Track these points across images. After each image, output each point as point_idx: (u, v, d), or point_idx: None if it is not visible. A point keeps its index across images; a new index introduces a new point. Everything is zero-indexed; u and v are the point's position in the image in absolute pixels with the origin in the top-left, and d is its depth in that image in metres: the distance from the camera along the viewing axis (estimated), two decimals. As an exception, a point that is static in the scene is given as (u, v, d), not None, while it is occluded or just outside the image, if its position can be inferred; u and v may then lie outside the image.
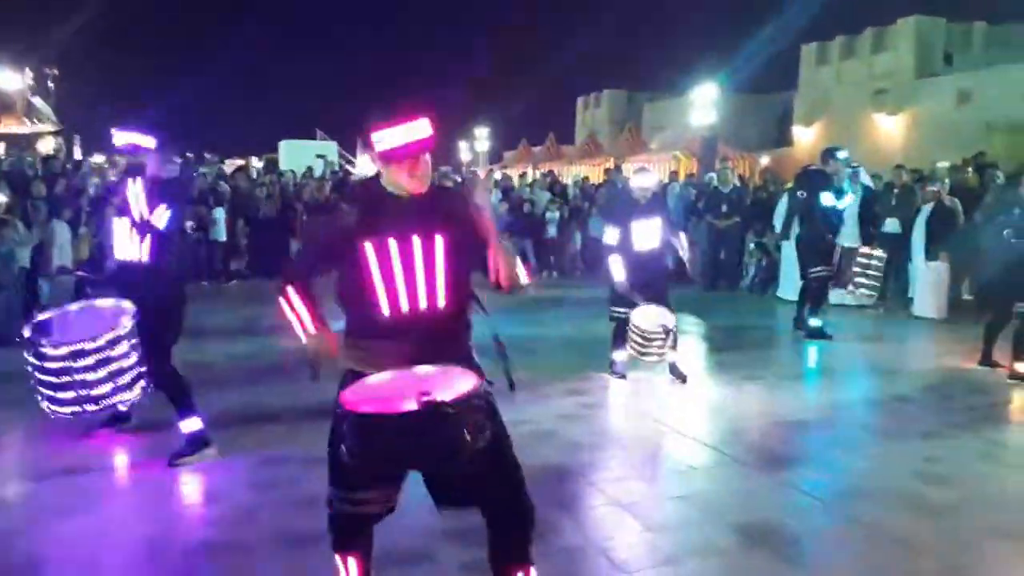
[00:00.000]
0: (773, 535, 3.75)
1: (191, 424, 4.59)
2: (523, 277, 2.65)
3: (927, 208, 10.02)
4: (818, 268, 8.49)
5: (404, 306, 2.55)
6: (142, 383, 4.51)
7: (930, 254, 9.88)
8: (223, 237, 12.82)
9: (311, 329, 2.65)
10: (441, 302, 2.59)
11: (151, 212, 4.41)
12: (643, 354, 6.40)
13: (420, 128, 2.49)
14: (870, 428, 5.53)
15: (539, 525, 3.65)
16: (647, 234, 6.43)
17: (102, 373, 4.28)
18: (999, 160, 13.65)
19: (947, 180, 10.97)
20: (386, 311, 2.54)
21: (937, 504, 4.16)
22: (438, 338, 2.56)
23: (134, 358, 4.40)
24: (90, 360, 4.24)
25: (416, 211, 2.57)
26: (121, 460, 4.78)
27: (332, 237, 2.64)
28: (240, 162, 20.58)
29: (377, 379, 2.45)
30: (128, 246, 4.47)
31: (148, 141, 4.49)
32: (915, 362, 7.93)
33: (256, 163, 21.31)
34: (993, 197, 9.35)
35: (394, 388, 2.32)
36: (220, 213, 12.86)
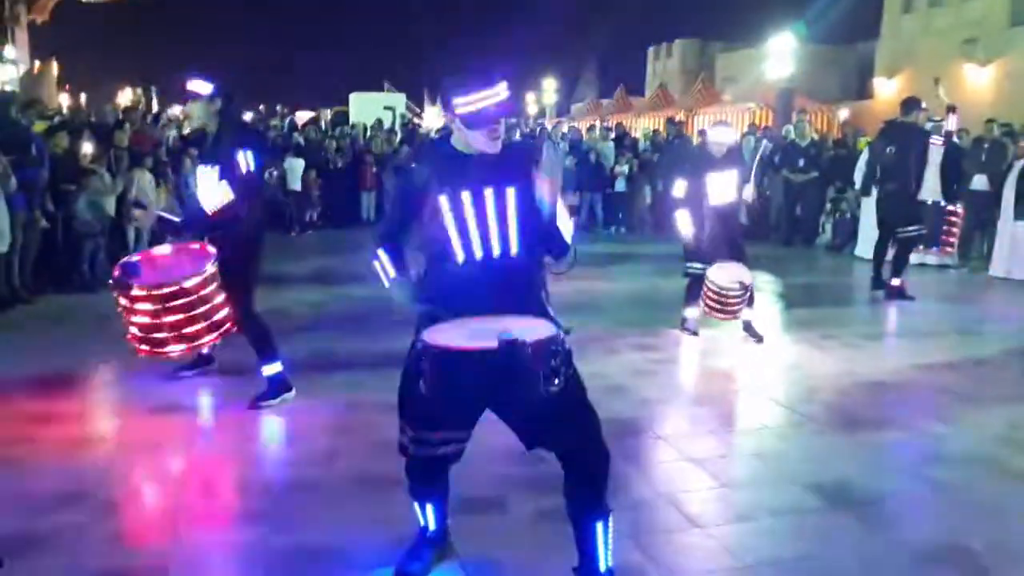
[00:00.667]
0: (851, 496, 3.68)
1: (272, 368, 4.72)
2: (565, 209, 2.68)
3: (1019, 164, 9.54)
4: (910, 227, 8.13)
5: (478, 252, 2.62)
6: (226, 326, 4.66)
7: (1020, 213, 9.43)
8: (298, 186, 13.03)
9: (392, 274, 2.77)
10: (514, 249, 2.64)
11: (232, 157, 4.50)
12: (719, 311, 6.30)
13: (501, 93, 2.55)
14: (949, 391, 5.35)
15: (611, 479, 3.70)
16: (723, 188, 6.28)
17: (187, 315, 4.45)
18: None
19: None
20: (460, 257, 2.62)
21: (1021, 470, 4.03)
22: (513, 287, 2.62)
23: (218, 300, 4.54)
24: (177, 302, 4.40)
25: (488, 166, 2.63)
26: (204, 401, 4.96)
27: (408, 194, 2.74)
28: (311, 114, 20.81)
29: (456, 322, 2.51)
30: (211, 192, 4.58)
31: (205, 87, 4.55)
32: (997, 324, 7.62)
33: (327, 115, 21.50)
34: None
35: (474, 329, 2.40)
36: (297, 164, 13.07)
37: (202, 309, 4.51)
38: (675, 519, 3.45)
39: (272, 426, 4.54)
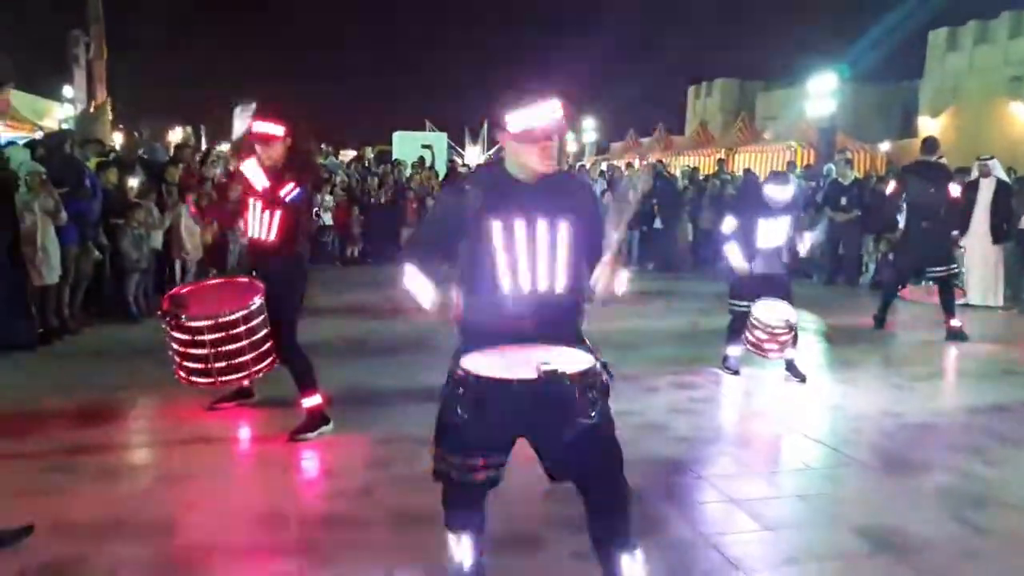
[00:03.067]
0: (898, 540, 3.57)
1: (312, 400, 4.75)
2: (619, 289, 2.63)
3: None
4: (939, 268, 8.13)
5: (525, 286, 2.59)
6: (271, 358, 4.72)
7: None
8: (330, 221, 13.28)
9: (432, 297, 2.67)
10: (560, 286, 2.62)
11: (279, 190, 4.61)
12: (763, 349, 6.21)
13: (555, 109, 2.55)
14: (998, 434, 5.17)
15: (649, 518, 3.64)
16: (774, 232, 6.24)
17: (233, 347, 4.52)
18: None
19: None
20: (507, 289, 2.59)
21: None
22: (554, 321, 2.61)
23: (263, 333, 4.61)
24: (222, 334, 4.48)
25: (542, 195, 2.61)
26: (243, 434, 5.00)
27: (455, 214, 2.68)
28: (354, 152, 21.16)
29: (494, 351, 2.50)
30: (258, 225, 4.67)
31: (278, 129, 4.67)
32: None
33: (370, 154, 21.85)
34: None
35: (512, 359, 2.41)
36: (329, 200, 13.32)
37: (248, 341, 4.58)
38: (716, 561, 3.37)
39: (310, 459, 4.55)
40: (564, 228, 2.61)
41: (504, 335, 2.55)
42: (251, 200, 4.72)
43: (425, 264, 2.70)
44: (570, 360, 2.38)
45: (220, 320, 4.49)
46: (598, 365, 2.42)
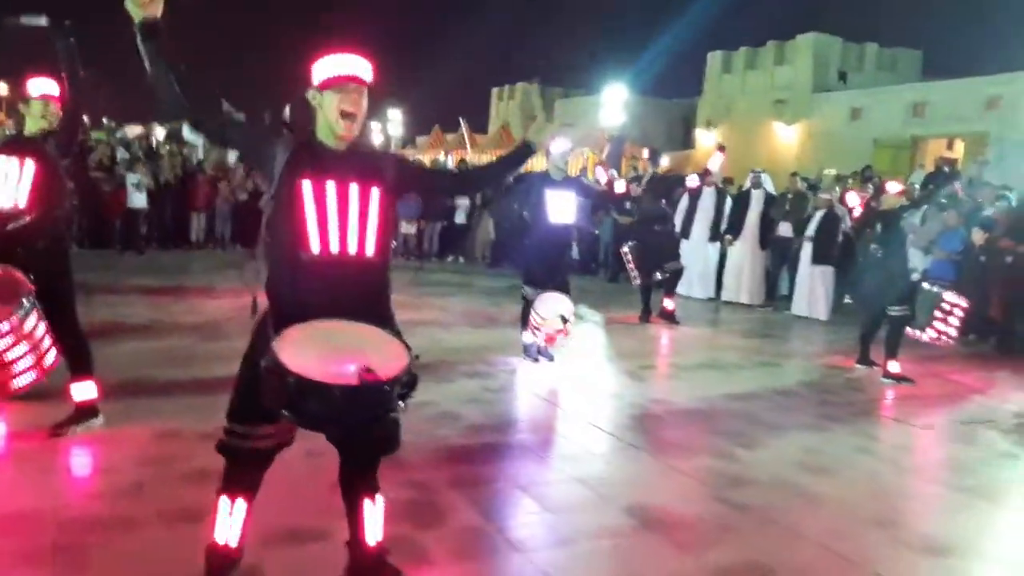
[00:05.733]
0: (665, 519, 3.87)
1: (84, 389, 4.38)
2: None
3: (818, 214, 10.51)
4: (669, 264, 9.39)
5: (334, 247, 2.58)
6: (55, 353, 4.32)
7: (816, 258, 10.39)
8: (143, 204, 12.39)
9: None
10: (370, 250, 2.64)
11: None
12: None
13: (363, 64, 2.62)
14: (755, 419, 5.74)
15: (435, 505, 3.71)
16: (561, 207, 6.58)
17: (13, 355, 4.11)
18: (883, 174, 14.45)
19: (838, 189, 11.51)
20: (315, 249, 2.57)
21: (815, 493, 4.39)
22: (364, 290, 2.64)
23: (42, 331, 4.21)
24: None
25: (353, 161, 2.65)
26: (-5, 430, 4.50)
27: (270, 139, 2.66)
28: (141, 128, 19.62)
29: (310, 334, 2.45)
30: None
31: (54, 87, 4.26)
32: (796, 358, 8.31)
33: (157, 131, 20.34)
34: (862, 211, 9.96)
35: (333, 352, 2.37)
36: (133, 179, 12.36)
37: (27, 347, 4.15)
38: (499, 544, 3.48)
39: (76, 456, 4.18)
40: (376, 193, 2.65)
41: (311, 303, 2.53)
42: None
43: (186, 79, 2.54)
44: (388, 358, 2.39)
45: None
46: (412, 360, 2.45)
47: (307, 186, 2.55)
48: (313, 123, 2.68)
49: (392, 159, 2.86)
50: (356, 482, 2.78)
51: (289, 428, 2.67)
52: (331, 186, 2.58)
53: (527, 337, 6.75)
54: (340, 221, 2.58)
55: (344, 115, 2.60)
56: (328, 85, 2.59)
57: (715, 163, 11.36)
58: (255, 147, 2.72)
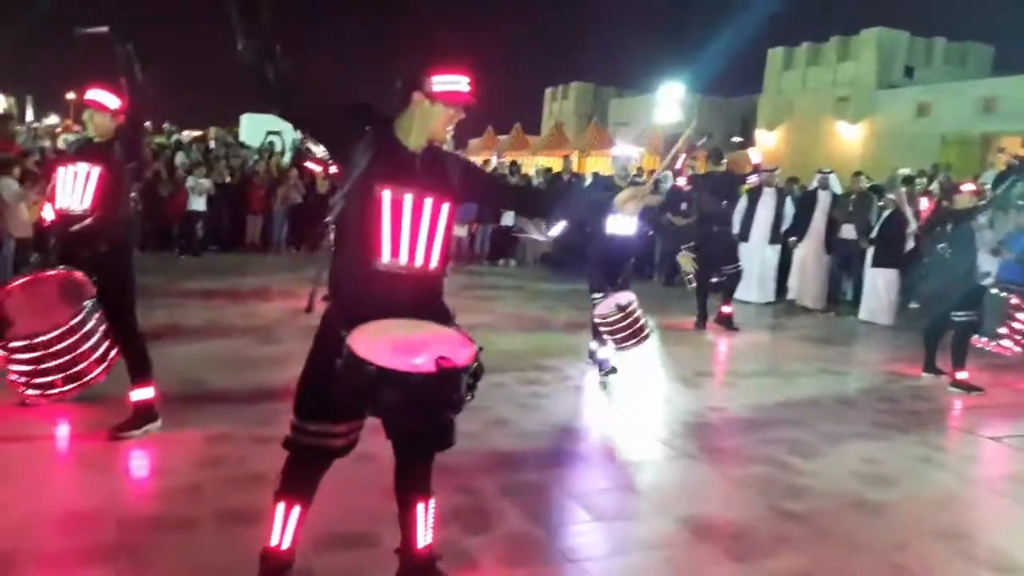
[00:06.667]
0: (719, 529, 3.79)
1: (143, 393, 4.48)
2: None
3: (884, 215, 10.20)
4: (729, 266, 9.34)
5: (403, 259, 2.65)
6: (112, 355, 4.49)
7: (878, 260, 10.09)
8: (203, 207, 12.70)
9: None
10: (434, 262, 2.72)
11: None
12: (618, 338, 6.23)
13: (469, 84, 2.70)
14: (812, 428, 5.58)
15: (485, 511, 3.71)
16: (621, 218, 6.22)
17: (73, 356, 4.26)
18: (952, 173, 13.99)
19: (904, 189, 11.17)
20: (386, 259, 2.62)
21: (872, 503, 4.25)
22: (426, 295, 2.73)
23: (100, 334, 4.37)
24: (60, 346, 4.28)
25: (429, 171, 2.70)
26: (61, 430, 4.62)
27: (351, 137, 2.65)
28: (198, 133, 20.17)
29: (381, 329, 2.53)
30: (70, 192, 4.36)
31: (112, 100, 4.36)
32: (859, 366, 8.08)
33: (213, 135, 20.89)
34: (932, 210, 9.63)
35: (405, 345, 2.46)
36: (195, 182, 12.68)
37: (87, 346, 4.29)
38: (549, 552, 3.46)
39: (135, 458, 4.28)
40: (446, 209, 2.70)
41: (374, 306, 2.59)
42: (66, 170, 4.36)
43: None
44: (457, 348, 2.49)
45: (53, 334, 4.18)
46: (478, 349, 2.54)
47: (386, 197, 2.60)
48: (397, 117, 2.72)
49: (461, 165, 2.88)
50: (411, 484, 2.84)
51: (358, 427, 2.75)
52: (408, 199, 2.62)
53: (601, 351, 6.50)
54: (412, 234, 2.64)
55: (445, 129, 2.73)
56: (444, 98, 2.66)
57: (755, 155, 11.06)
58: (338, 144, 2.74)
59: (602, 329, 6.28)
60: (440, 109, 2.67)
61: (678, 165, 9.68)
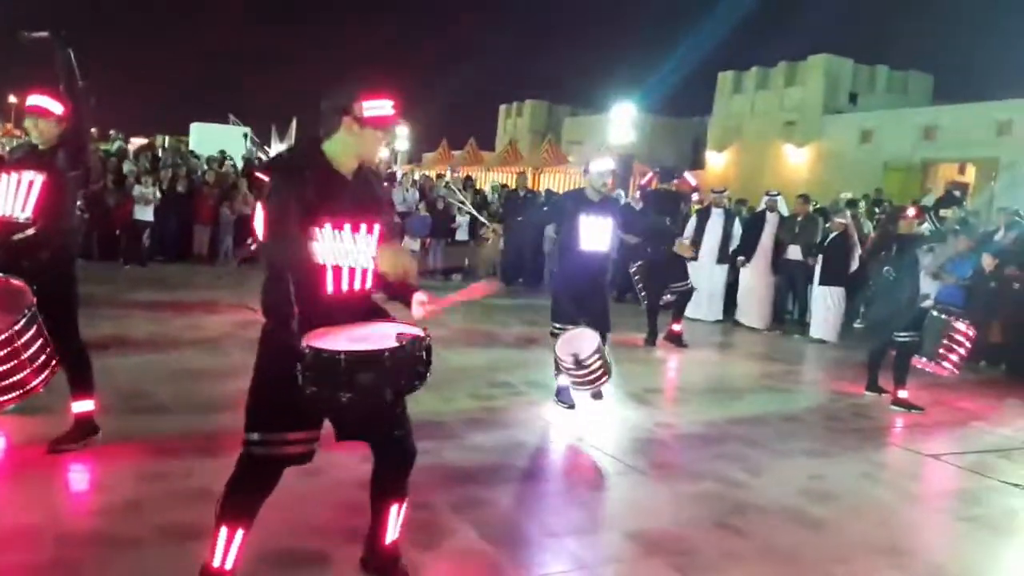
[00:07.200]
0: (667, 545, 3.82)
1: (84, 405, 4.35)
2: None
3: (831, 236, 10.45)
4: (679, 284, 9.48)
5: (344, 287, 2.75)
6: (52, 363, 4.32)
7: (825, 279, 10.34)
8: (150, 216, 12.48)
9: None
10: (369, 283, 2.83)
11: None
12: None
13: (395, 107, 2.80)
14: (758, 443, 5.68)
15: (436, 526, 3.68)
16: (596, 233, 5.87)
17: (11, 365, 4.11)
18: (893, 197, 14.42)
19: (848, 212, 11.46)
20: (329, 290, 2.72)
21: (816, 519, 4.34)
22: (362, 305, 2.84)
23: (39, 343, 4.21)
24: None
25: (361, 195, 2.78)
26: (-4, 443, 4.49)
27: (298, 200, 2.66)
28: (145, 140, 19.79)
29: (332, 331, 2.61)
30: (11, 200, 4.23)
31: (56, 106, 4.23)
32: (807, 384, 8.25)
33: (162, 143, 20.52)
34: (877, 234, 9.93)
35: (360, 336, 2.57)
36: (140, 191, 12.42)
37: (26, 355, 4.13)
38: (498, 567, 3.45)
39: (75, 472, 4.16)
40: (378, 231, 2.80)
41: (325, 324, 2.65)
42: (4, 173, 4.20)
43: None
44: (408, 329, 2.61)
45: None
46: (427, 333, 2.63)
47: (326, 230, 2.66)
48: (325, 140, 2.77)
49: (387, 191, 3.03)
50: (389, 487, 2.97)
51: (315, 436, 2.77)
52: (347, 229, 2.70)
53: (560, 380, 6.04)
54: (352, 262, 2.73)
55: (375, 153, 2.87)
56: (375, 123, 2.75)
57: (691, 178, 11.91)
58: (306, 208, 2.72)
59: (562, 366, 5.75)
60: (370, 132, 2.76)
61: (643, 181, 9.88)
